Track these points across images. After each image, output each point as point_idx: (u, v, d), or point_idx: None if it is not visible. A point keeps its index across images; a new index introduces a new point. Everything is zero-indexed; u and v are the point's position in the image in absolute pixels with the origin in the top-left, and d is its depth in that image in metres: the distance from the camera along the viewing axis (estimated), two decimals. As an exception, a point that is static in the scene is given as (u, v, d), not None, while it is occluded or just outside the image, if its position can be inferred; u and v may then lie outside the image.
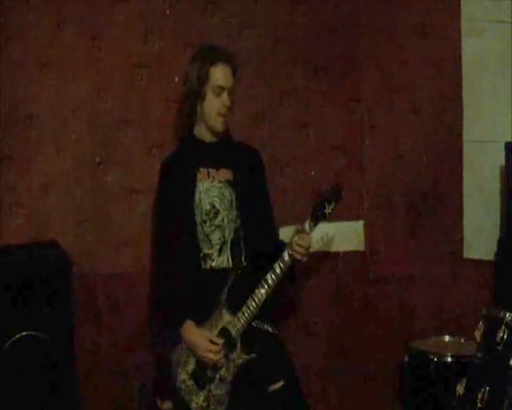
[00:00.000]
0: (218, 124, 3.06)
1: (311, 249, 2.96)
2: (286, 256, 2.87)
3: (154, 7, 3.56)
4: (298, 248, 2.87)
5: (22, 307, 3.06)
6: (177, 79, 3.55)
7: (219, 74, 3.03)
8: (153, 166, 3.54)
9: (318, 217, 2.88)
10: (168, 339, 2.99)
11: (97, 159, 3.54)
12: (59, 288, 3.16)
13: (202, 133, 3.11)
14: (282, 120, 3.72)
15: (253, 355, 2.87)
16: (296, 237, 2.88)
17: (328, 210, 2.87)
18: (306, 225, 2.88)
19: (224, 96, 3.03)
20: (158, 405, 2.99)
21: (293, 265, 2.93)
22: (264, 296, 2.87)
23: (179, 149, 3.22)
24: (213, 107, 3.04)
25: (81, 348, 3.38)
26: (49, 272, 3.16)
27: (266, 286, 2.87)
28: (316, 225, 2.89)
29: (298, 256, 2.88)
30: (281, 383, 2.86)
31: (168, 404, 2.97)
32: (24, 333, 3.06)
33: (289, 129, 3.74)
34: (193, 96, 3.06)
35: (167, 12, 3.57)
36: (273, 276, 2.87)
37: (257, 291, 2.87)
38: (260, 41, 3.66)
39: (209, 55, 3.06)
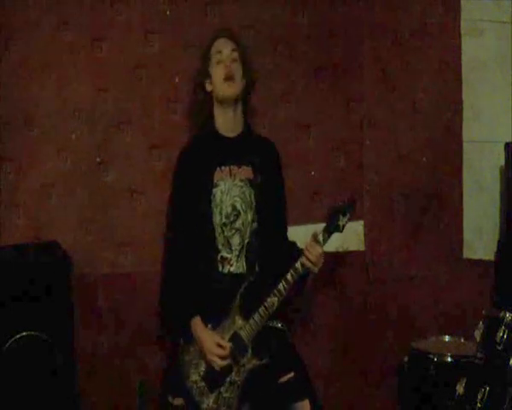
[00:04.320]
0: (226, 90, 3.04)
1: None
2: (298, 266, 2.86)
3: (154, 7, 3.56)
4: (309, 256, 2.85)
5: (22, 307, 3.07)
6: (177, 80, 3.56)
7: (217, 44, 3.07)
8: (153, 166, 3.56)
9: (332, 229, 2.87)
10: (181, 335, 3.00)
11: (97, 159, 3.54)
12: (59, 288, 3.16)
13: (222, 125, 3.09)
14: (282, 120, 3.72)
15: (264, 361, 2.88)
16: (306, 247, 2.87)
17: (341, 222, 2.87)
18: (320, 237, 2.87)
19: (225, 61, 3.03)
20: (169, 400, 2.99)
21: (307, 274, 2.93)
22: (276, 305, 2.87)
23: (199, 143, 3.17)
24: (217, 74, 3.04)
25: (81, 348, 3.38)
26: (49, 273, 3.16)
27: (278, 295, 2.87)
28: (329, 236, 2.88)
29: (308, 265, 2.86)
30: (291, 375, 2.87)
31: (179, 400, 2.97)
32: (24, 333, 3.06)
33: (289, 129, 3.74)
34: (202, 84, 3.09)
35: (167, 12, 3.57)
36: (285, 285, 2.86)
37: (269, 299, 2.87)
38: (260, 41, 3.66)
39: (209, 40, 3.12)
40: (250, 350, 2.89)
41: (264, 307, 2.87)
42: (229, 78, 3.03)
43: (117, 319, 3.57)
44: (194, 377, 2.93)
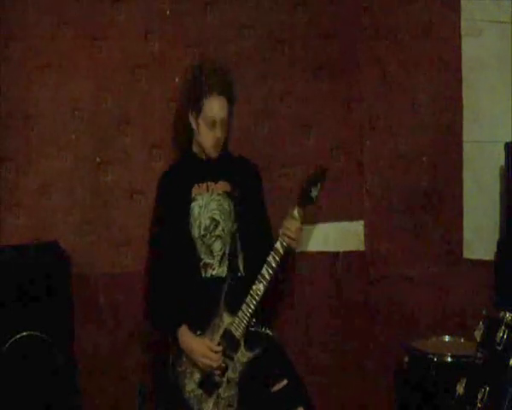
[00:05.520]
0: (212, 153, 3.07)
1: (302, 243, 3.02)
2: (278, 246, 2.88)
3: (154, 7, 3.56)
4: (287, 232, 2.88)
5: (22, 307, 3.07)
6: (177, 80, 3.56)
7: (212, 107, 3.02)
8: (153, 166, 3.56)
9: (305, 201, 2.90)
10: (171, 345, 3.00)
11: (97, 159, 3.54)
12: (59, 288, 3.16)
13: (199, 150, 3.13)
14: (282, 120, 3.72)
15: (257, 351, 2.89)
16: (283, 225, 2.90)
17: (313, 193, 2.89)
18: (295, 212, 2.90)
19: (217, 129, 3.03)
20: None
21: (288, 254, 2.93)
22: (262, 291, 2.88)
23: (178, 165, 3.23)
24: (207, 139, 3.05)
25: (81, 348, 3.38)
26: (49, 273, 3.16)
27: (263, 280, 2.88)
28: (304, 209, 2.90)
29: (288, 241, 2.88)
30: (284, 382, 2.88)
31: None
32: (24, 333, 3.06)
33: (289, 129, 3.74)
34: (187, 119, 3.08)
35: (167, 12, 3.57)
36: (269, 269, 2.88)
37: (255, 287, 2.88)
38: (260, 41, 3.66)
39: (204, 83, 3.03)
40: (242, 344, 2.90)
41: (251, 295, 2.88)
42: (217, 145, 3.06)
43: (117, 319, 3.57)
44: (191, 386, 2.93)
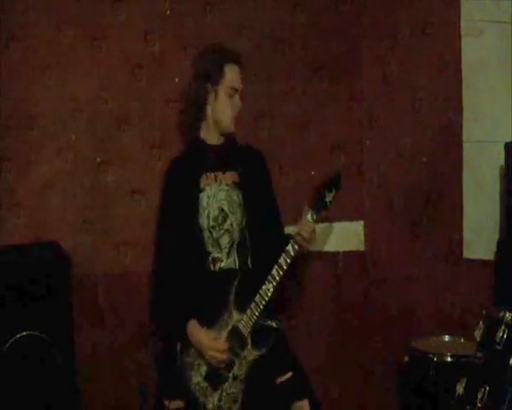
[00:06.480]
0: (231, 127, 3.08)
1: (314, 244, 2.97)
2: (290, 248, 2.88)
3: (154, 7, 3.57)
4: (302, 232, 2.87)
5: (22, 307, 3.07)
6: (177, 80, 3.56)
7: (233, 75, 3.05)
8: (153, 166, 3.56)
9: (319, 206, 2.89)
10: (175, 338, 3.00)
11: (98, 159, 3.54)
12: (59, 288, 3.17)
13: (209, 135, 3.11)
14: (282, 120, 3.72)
15: (264, 350, 2.90)
16: (298, 227, 2.90)
17: (328, 199, 2.89)
18: (309, 216, 2.89)
19: (237, 97, 3.06)
20: (166, 405, 2.96)
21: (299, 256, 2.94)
22: (271, 291, 2.88)
23: (186, 153, 3.21)
24: (227, 109, 3.05)
25: (81, 348, 3.39)
26: (49, 273, 3.17)
27: (273, 281, 2.88)
28: (318, 214, 2.89)
29: (302, 242, 2.88)
30: (289, 375, 2.90)
31: (176, 403, 2.95)
32: (24, 333, 3.06)
33: (289, 129, 3.74)
34: (202, 95, 3.05)
35: (167, 12, 3.58)
36: (279, 270, 2.88)
37: (264, 287, 2.88)
38: (260, 41, 3.67)
39: (222, 53, 3.07)
40: (249, 342, 2.90)
41: (260, 294, 2.88)
42: (235, 117, 3.08)
43: (117, 319, 3.57)
44: (197, 378, 2.94)
